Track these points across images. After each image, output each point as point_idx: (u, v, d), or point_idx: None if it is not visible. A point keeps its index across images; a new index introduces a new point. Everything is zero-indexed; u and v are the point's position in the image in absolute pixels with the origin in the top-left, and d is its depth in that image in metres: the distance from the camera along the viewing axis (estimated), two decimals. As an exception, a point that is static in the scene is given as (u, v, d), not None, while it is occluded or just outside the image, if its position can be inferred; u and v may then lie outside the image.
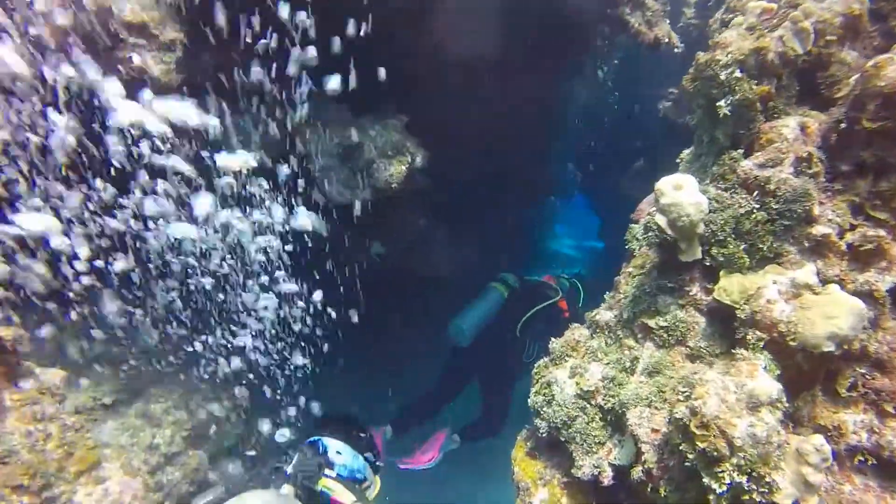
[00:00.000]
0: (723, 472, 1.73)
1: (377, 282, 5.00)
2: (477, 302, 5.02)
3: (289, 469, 2.16)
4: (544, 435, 2.69)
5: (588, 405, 2.49)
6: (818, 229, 2.19)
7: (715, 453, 1.73)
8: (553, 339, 2.95)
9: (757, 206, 2.26)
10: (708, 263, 2.33)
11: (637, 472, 2.11)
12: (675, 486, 1.93)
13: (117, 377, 4.07)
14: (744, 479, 1.71)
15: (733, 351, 2.04)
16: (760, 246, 2.25)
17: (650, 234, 2.35)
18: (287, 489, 2.09)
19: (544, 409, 2.68)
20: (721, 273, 2.27)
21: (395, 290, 5.38)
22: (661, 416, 2.12)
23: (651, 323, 2.43)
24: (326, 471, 2.22)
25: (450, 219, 5.82)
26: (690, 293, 2.37)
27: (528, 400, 2.84)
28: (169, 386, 4.34)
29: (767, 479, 1.70)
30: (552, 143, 7.06)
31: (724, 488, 1.72)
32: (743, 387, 1.81)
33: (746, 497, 1.72)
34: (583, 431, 2.45)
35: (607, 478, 2.33)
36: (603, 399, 2.44)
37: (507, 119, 4.93)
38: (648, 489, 2.05)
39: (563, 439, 2.54)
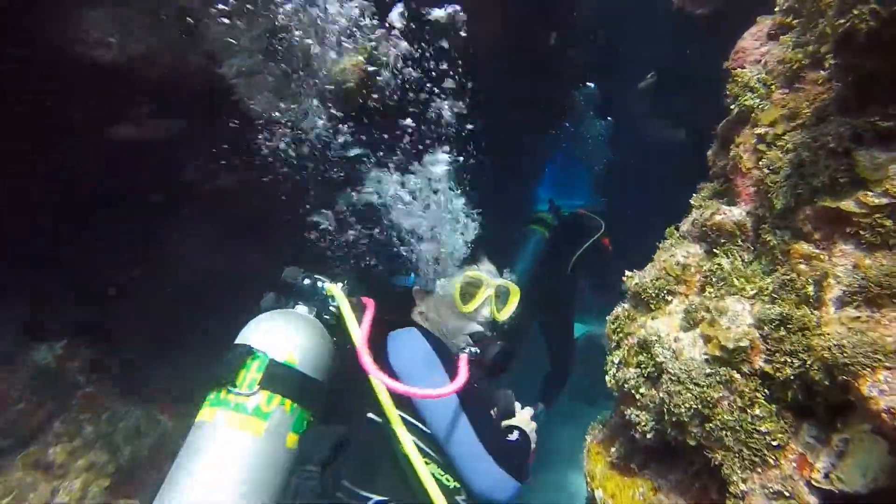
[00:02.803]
0: None
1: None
2: (520, 251, 4.52)
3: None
4: (649, 435, 1.53)
5: (737, 376, 1.33)
6: None
7: None
8: (629, 272, 1.79)
9: None
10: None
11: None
12: None
13: (-2, 415, 2.87)
14: None
15: None
16: None
17: (850, 14, 1.14)
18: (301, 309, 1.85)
19: (645, 390, 1.52)
20: None
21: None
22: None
23: (847, 206, 1.25)
24: None
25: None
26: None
27: (608, 375, 1.69)
28: (80, 416, 3.14)
29: None
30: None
31: None
32: None
33: None
34: (738, 427, 1.29)
35: (809, 513, 1.18)
36: (770, 361, 1.28)
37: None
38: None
39: (693, 443, 1.39)
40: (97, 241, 3.70)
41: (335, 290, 1.93)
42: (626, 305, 1.76)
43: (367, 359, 1.64)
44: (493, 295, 2.07)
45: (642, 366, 1.55)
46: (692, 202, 1.97)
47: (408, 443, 1.65)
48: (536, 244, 4.55)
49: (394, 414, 1.69)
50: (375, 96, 2.77)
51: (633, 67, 6.61)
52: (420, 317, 2.18)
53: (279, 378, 1.58)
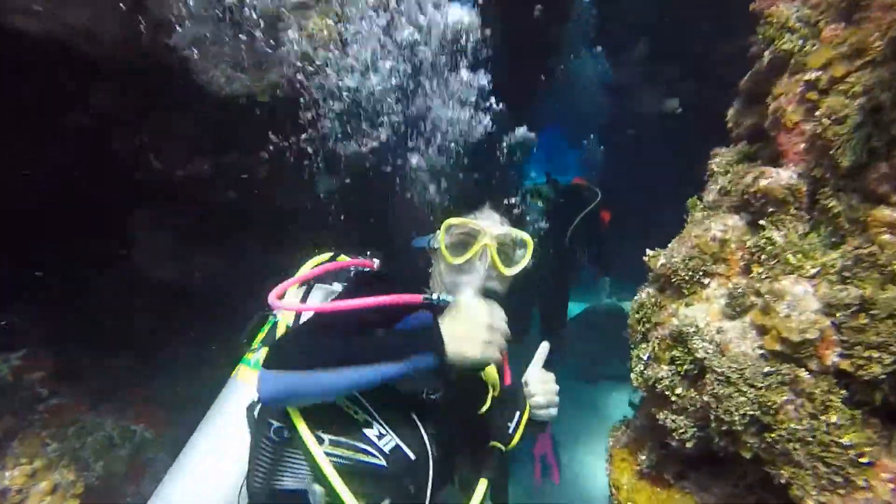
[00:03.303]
0: None
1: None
2: (517, 225, 4.16)
3: None
4: (689, 444, 1.29)
5: (804, 374, 1.08)
6: None
7: None
8: (652, 251, 1.54)
9: None
10: None
11: None
12: None
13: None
14: None
15: None
16: None
17: None
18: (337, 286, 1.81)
19: (682, 390, 1.28)
20: None
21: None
22: None
23: (940, 158, 1.00)
24: None
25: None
26: None
27: (633, 372, 1.44)
28: (43, 432, 2.86)
29: None
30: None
31: None
32: None
33: None
34: (810, 438, 1.05)
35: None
36: (848, 356, 1.03)
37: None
38: None
39: (749, 455, 1.15)
40: (56, 242, 3.41)
41: (320, 257, 1.91)
42: (652, 290, 1.51)
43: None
44: (491, 245, 1.75)
45: (677, 362, 1.30)
46: (715, 168, 1.73)
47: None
48: (534, 218, 4.37)
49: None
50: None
51: (623, 35, 6.33)
52: (433, 278, 1.90)
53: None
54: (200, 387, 3.91)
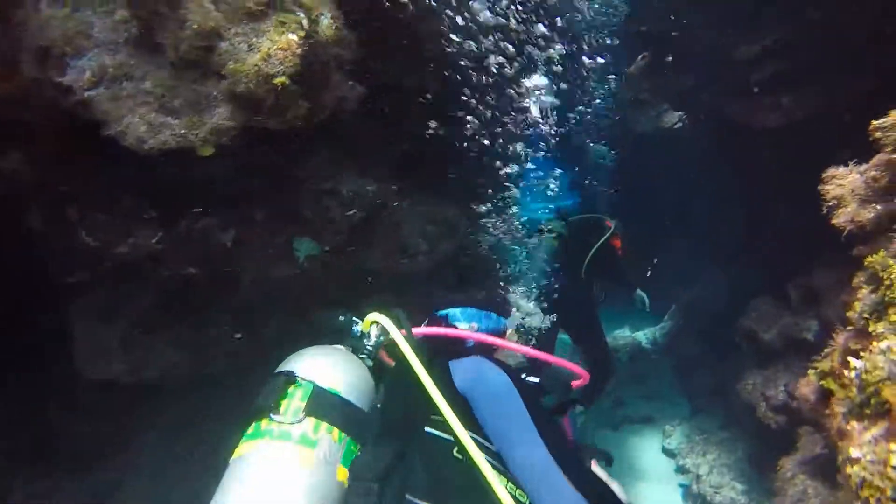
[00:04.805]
0: None
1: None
2: (533, 263, 4.52)
3: None
4: None
5: None
6: None
7: None
8: (858, 362, 0.88)
9: None
10: None
11: None
12: None
13: None
14: None
15: None
16: None
17: None
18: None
19: None
20: None
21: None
22: None
23: None
24: None
25: (416, 172, 3.56)
26: None
27: None
28: None
29: None
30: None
31: None
32: None
33: None
34: None
35: None
36: None
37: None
38: None
39: None
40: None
41: (375, 316, 1.72)
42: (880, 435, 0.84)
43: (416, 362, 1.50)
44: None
45: None
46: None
47: (476, 454, 1.40)
48: (549, 254, 4.55)
49: (457, 424, 1.46)
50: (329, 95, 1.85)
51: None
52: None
53: (326, 404, 1.45)
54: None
